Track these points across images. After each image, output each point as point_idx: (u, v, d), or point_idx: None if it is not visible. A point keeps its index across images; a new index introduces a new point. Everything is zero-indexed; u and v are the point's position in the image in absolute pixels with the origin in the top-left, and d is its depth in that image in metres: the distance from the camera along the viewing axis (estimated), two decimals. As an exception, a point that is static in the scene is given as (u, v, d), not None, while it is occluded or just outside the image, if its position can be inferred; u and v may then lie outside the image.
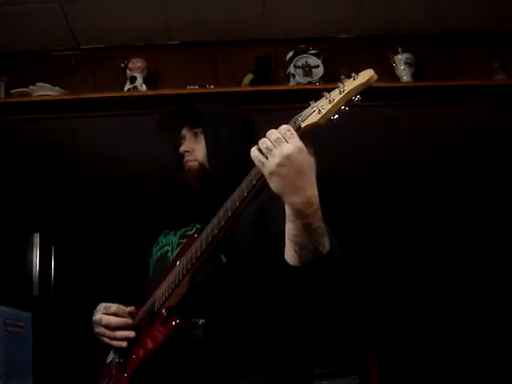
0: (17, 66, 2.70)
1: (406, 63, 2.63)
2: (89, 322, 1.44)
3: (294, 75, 2.61)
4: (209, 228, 1.23)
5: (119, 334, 1.38)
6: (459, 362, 3.98)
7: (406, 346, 4.07)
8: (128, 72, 2.62)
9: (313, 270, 1.13)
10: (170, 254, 1.46)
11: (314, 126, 1.04)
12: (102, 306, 1.42)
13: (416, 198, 4.02)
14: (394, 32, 2.72)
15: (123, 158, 3.27)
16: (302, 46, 2.70)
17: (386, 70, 2.63)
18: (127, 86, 2.60)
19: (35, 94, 2.54)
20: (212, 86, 2.63)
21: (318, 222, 1.10)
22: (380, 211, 4.17)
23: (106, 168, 3.44)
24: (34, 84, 2.55)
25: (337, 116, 1.02)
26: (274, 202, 1.20)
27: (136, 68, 2.62)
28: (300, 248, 1.12)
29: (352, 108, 1.02)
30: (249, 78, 2.63)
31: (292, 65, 2.62)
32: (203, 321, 1.29)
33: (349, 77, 1.02)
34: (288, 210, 1.10)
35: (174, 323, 1.26)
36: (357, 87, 1.00)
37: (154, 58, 2.71)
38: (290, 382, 1.32)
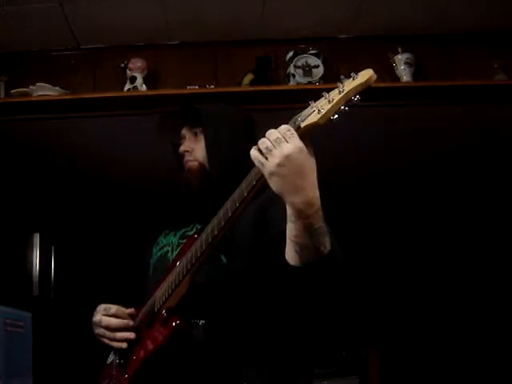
0: (17, 66, 2.70)
1: (406, 63, 2.63)
2: (89, 322, 1.44)
3: (294, 75, 2.61)
4: (209, 228, 1.23)
5: (119, 335, 1.38)
6: (459, 361, 3.98)
7: (405, 346, 4.07)
8: (128, 72, 2.62)
9: (313, 270, 1.13)
10: (169, 254, 1.46)
11: (313, 126, 1.04)
12: (102, 307, 1.42)
13: (416, 198, 4.02)
14: (394, 32, 2.72)
15: (123, 157, 3.27)
16: (302, 45, 2.70)
17: (386, 70, 2.63)
18: (127, 86, 2.60)
19: (35, 94, 2.54)
20: (212, 86, 2.63)
21: (320, 223, 1.10)
22: (380, 211, 4.17)
23: (106, 168, 3.44)
24: (34, 84, 2.55)
25: (336, 116, 1.02)
26: (274, 202, 1.19)
27: (136, 68, 2.62)
28: (301, 248, 1.12)
29: (352, 108, 1.02)
30: (249, 78, 2.63)
31: (292, 65, 2.62)
32: (203, 321, 1.29)
33: (348, 77, 1.02)
34: (289, 210, 1.10)
35: (174, 324, 1.26)
36: (356, 87, 1.00)
37: (153, 58, 2.71)
38: (289, 382, 1.32)
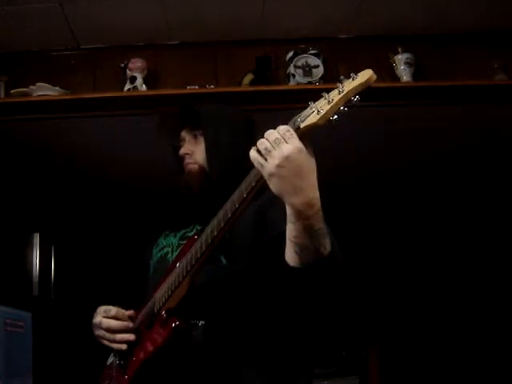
0: (17, 66, 2.70)
1: (406, 63, 2.62)
2: (89, 322, 1.44)
3: (294, 75, 2.61)
4: (208, 229, 1.23)
5: (119, 336, 1.38)
6: (459, 361, 3.98)
7: (406, 346, 4.07)
8: (128, 72, 2.62)
9: (313, 270, 1.13)
10: (169, 255, 1.45)
11: (313, 127, 1.03)
12: (102, 309, 1.42)
13: (416, 198, 4.02)
14: (394, 32, 2.72)
15: (123, 158, 3.26)
16: (302, 46, 2.70)
17: (386, 70, 2.63)
18: (127, 86, 2.60)
19: (35, 94, 2.54)
20: (212, 86, 2.62)
21: (320, 224, 1.09)
22: (380, 211, 4.17)
23: (106, 168, 3.43)
24: (33, 84, 2.55)
25: (336, 116, 1.02)
26: (274, 203, 1.19)
27: (136, 68, 2.62)
28: (301, 249, 1.12)
29: (352, 108, 1.01)
30: (249, 78, 2.63)
31: (292, 65, 2.62)
32: (203, 322, 1.29)
33: (348, 77, 1.02)
34: (289, 211, 1.09)
35: (173, 325, 1.26)
36: (356, 87, 1.00)
37: (154, 58, 2.71)
38: (289, 382, 1.32)
